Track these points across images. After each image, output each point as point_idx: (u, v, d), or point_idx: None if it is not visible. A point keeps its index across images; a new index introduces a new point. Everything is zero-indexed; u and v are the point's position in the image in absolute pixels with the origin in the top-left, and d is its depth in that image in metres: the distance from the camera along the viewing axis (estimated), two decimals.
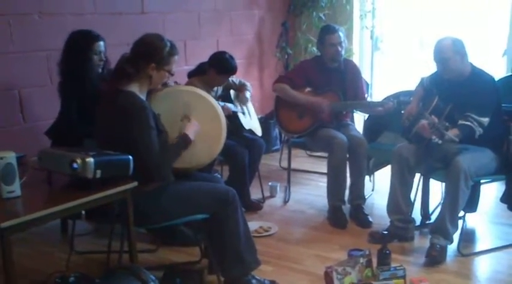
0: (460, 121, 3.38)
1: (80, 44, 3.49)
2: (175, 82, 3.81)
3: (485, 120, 3.37)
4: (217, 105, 3.18)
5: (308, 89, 4.26)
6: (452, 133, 3.27)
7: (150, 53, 2.78)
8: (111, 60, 3.59)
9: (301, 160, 5.55)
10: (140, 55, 2.78)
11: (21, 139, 3.82)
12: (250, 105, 4.56)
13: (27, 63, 3.94)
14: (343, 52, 4.20)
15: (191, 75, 4.29)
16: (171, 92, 3.14)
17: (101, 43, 3.55)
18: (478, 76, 3.51)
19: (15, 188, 2.42)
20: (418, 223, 3.85)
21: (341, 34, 4.17)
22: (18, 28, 3.85)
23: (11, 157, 2.39)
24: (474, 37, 5.02)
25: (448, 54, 3.44)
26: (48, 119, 3.74)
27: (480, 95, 3.41)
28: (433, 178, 3.76)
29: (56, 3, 4.07)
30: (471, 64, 3.53)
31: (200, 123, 3.01)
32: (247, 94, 4.43)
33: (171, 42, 2.85)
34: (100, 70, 3.58)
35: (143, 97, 2.83)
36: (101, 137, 2.87)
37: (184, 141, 2.91)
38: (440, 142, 3.24)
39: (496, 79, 3.69)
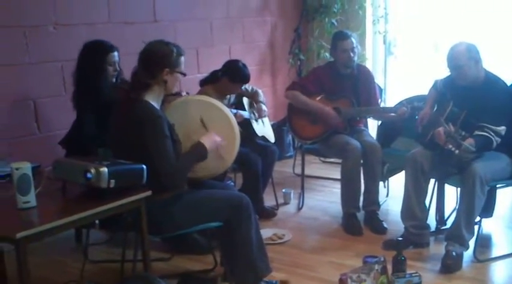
0: (476, 132, 3.33)
1: (94, 55, 3.52)
2: (187, 94, 3.83)
3: (502, 128, 3.33)
4: (231, 114, 3.18)
5: (319, 97, 4.25)
6: (467, 143, 3.22)
7: (162, 59, 2.80)
8: (124, 68, 3.61)
9: (314, 166, 5.54)
10: (152, 64, 2.80)
11: (36, 149, 3.85)
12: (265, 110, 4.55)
13: (42, 74, 3.98)
14: (355, 58, 4.20)
15: (203, 83, 4.30)
16: (183, 102, 3.15)
17: (115, 53, 3.57)
18: (492, 83, 3.47)
19: (31, 198, 2.43)
20: (433, 229, 3.82)
21: (353, 40, 4.16)
22: (33, 39, 3.89)
23: (26, 167, 2.41)
24: (488, 41, 4.98)
25: (463, 61, 3.41)
26: (63, 129, 3.77)
27: (495, 102, 3.37)
28: (448, 183, 3.73)
29: (70, 14, 4.11)
30: (485, 70, 3.50)
31: (214, 132, 3.01)
32: (264, 107, 4.43)
33: (176, 45, 2.88)
34: (114, 80, 3.61)
35: (158, 105, 2.85)
36: (115, 146, 2.89)
37: (200, 150, 2.89)
38: (457, 152, 3.20)
39: (510, 83, 3.65)
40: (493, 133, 3.31)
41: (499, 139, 3.33)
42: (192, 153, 2.89)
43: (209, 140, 2.94)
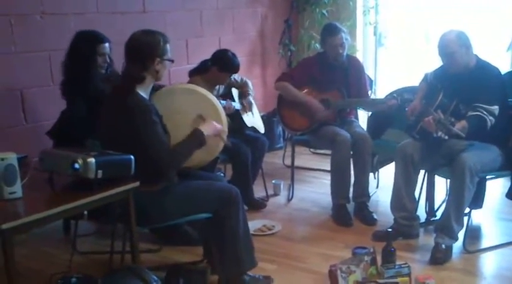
0: (470, 113, 3.33)
1: (85, 46, 3.47)
2: None
3: (495, 108, 3.32)
4: (218, 103, 3.15)
5: (309, 88, 4.24)
6: (460, 126, 3.21)
7: (152, 50, 2.77)
8: (114, 59, 3.58)
9: (304, 157, 5.53)
10: (144, 56, 2.77)
11: (23, 140, 3.80)
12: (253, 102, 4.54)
13: (29, 64, 3.93)
14: (345, 52, 4.18)
15: (193, 73, 4.26)
16: (170, 91, 3.12)
17: (106, 45, 3.53)
18: (484, 69, 3.48)
19: (17, 189, 2.41)
20: (422, 220, 3.83)
21: (343, 35, 4.13)
22: (20, 28, 3.84)
23: (12, 158, 2.39)
24: (479, 31, 4.98)
25: (454, 48, 3.41)
26: (50, 119, 3.73)
27: (487, 86, 3.37)
28: (438, 174, 3.74)
29: (58, 3, 4.05)
30: (476, 56, 3.50)
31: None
32: (251, 98, 4.41)
33: (159, 32, 2.85)
34: (104, 71, 3.57)
35: (147, 95, 2.84)
36: (105, 138, 2.86)
37: (197, 136, 2.86)
38: (446, 137, 3.21)
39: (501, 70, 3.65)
40: (486, 113, 3.30)
41: (492, 119, 3.31)
42: (189, 140, 2.86)
43: (208, 127, 2.93)
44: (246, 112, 4.37)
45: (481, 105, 3.31)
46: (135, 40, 2.81)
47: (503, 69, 3.95)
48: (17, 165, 2.40)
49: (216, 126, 2.97)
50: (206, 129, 2.91)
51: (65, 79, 3.52)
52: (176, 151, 2.78)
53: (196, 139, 2.87)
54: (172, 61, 2.88)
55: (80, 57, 3.45)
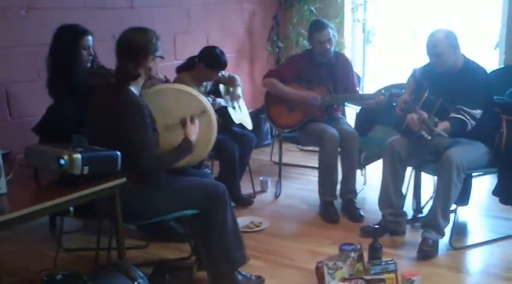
0: (452, 114, 3.37)
1: (68, 39, 3.43)
2: (165, 77, 3.78)
3: (478, 112, 3.36)
4: (208, 104, 3.11)
5: (296, 84, 4.23)
6: (443, 127, 3.26)
7: (146, 48, 2.77)
8: (100, 54, 3.56)
9: (292, 154, 5.53)
10: (138, 54, 2.76)
11: (7, 136, 3.76)
12: (241, 99, 4.52)
13: (14, 59, 3.89)
14: (332, 48, 4.17)
15: (180, 69, 4.24)
16: (159, 91, 3.09)
17: (89, 37, 3.49)
18: (470, 69, 3.50)
19: (1, 185, 2.38)
20: (409, 216, 3.84)
21: (330, 30, 4.12)
22: (3, 23, 3.80)
23: None
24: (466, 29, 5.01)
25: (442, 48, 3.42)
26: (36, 115, 3.69)
27: (472, 87, 3.40)
28: (424, 171, 3.75)
29: None
30: (463, 56, 3.52)
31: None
32: (239, 90, 4.38)
33: (150, 29, 2.85)
34: (89, 64, 3.54)
35: (138, 91, 2.83)
36: (92, 134, 2.86)
37: (186, 146, 2.88)
38: (429, 138, 3.23)
39: (488, 71, 3.67)
40: (468, 117, 3.35)
41: (474, 123, 3.36)
42: (179, 149, 2.86)
43: (194, 131, 2.94)
44: (233, 99, 4.33)
45: (464, 108, 3.35)
46: (128, 38, 2.79)
47: (491, 67, 3.97)
48: (1, 161, 2.37)
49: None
50: (193, 134, 2.92)
51: (51, 76, 3.47)
52: (162, 159, 2.79)
53: (185, 149, 2.88)
54: (162, 58, 2.88)
55: (64, 51, 3.40)
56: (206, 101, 3.15)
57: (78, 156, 2.40)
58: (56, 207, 2.40)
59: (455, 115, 3.35)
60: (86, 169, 2.42)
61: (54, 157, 2.42)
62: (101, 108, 2.80)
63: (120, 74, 2.80)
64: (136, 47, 2.77)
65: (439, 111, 3.37)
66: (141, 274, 2.47)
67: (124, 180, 2.60)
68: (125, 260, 2.72)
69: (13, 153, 2.80)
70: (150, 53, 2.78)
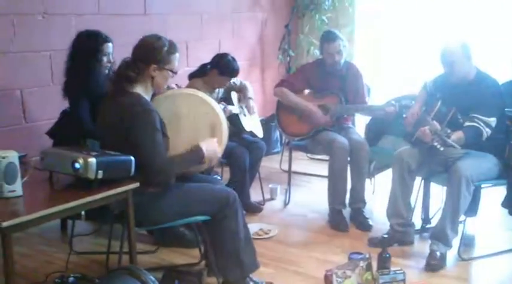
0: (466, 123, 3.37)
1: (90, 45, 3.47)
2: (177, 85, 3.81)
3: (492, 119, 3.37)
4: (220, 111, 3.10)
5: (307, 91, 4.28)
6: (456, 138, 3.27)
7: (149, 55, 2.76)
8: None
9: (301, 162, 5.55)
10: (139, 58, 2.77)
11: (22, 139, 3.82)
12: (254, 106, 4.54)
13: (29, 63, 3.94)
14: (342, 60, 4.20)
15: (192, 76, 4.28)
16: (171, 96, 3.08)
17: (110, 44, 3.53)
18: (483, 80, 3.52)
19: (17, 187, 2.41)
20: (418, 227, 3.85)
21: (340, 42, 4.15)
22: (21, 28, 3.85)
23: (13, 156, 2.39)
24: (480, 40, 4.99)
25: (457, 57, 3.45)
26: (49, 119, 3.74)
27: (485, 97, 3.41)
28: (434, 182, 3.76)
29: (60, 4, 4.08)
30: (476, 67, 3.54)
31: (201, 128, 2.98)
32: (251, 102, 4.42)
33: (169, 41, 2.83)
34: (106, 71, 3.57)
35: (149, 98, 2.83)
36: (104, 138, 2.86)
37: (197, 155, 2.84)
38: (442, 149, 3.24)
39: (500, 83, 3.68)
40: (483, 124, 3.35)
41: (489, 131, 3.36)
42: (189, 156, 2.84)
43: (210, 147, 2.88)
44: (250, 113, 4.39)
45: (478, 116, 3.36)
46: (140, 40, 2.82)
47: (505, 79, 3.97)
48: (17, 164, 2.40)
49: (215, 149, 2.92)
50: (208, 147, 2.87)
51: (68, 80, 3.51)
52: (171, 165, 2.76)
53: (196, 156, 2.85)
54: (174, 73, 2.84)
55: (85, 56, 3.44)
56: (217, 105, 3.15)
57: (93, 160, 2.43)
58: (70, 210, 2.42)
59: (469, 124, 3.36)
60: (100, 174, 2.45)
61: (69, 161, 2.45)
62: (111, 112, 2.79)
63: (118, 72, 2.81)
64: (140, 50, 2.78)
65: (451, 122, 3.38)
66: (153, 279, 2.49)
67: (137, 184, 2.62)
68: (136, 264, 2.74)
69: (28, 156, 2.84)
70: (152, 61, 2.74)
